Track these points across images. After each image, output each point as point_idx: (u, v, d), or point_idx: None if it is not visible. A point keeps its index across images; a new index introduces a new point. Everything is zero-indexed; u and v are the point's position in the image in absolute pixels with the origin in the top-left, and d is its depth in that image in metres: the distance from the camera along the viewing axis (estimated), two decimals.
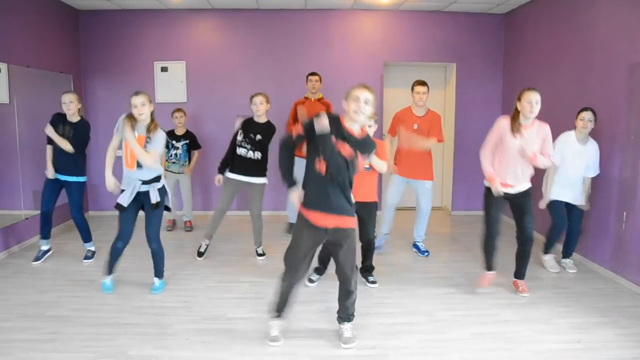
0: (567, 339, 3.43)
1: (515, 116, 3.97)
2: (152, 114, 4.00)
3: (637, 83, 4.38)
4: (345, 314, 3.43)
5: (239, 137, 4.85)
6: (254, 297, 4.13)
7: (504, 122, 3.99)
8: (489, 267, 4.30)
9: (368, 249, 4.48)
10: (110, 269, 4.23)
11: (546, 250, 4.96)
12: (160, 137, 3.99)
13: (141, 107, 3.87)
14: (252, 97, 4.87)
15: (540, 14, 6.06)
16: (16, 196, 5.41)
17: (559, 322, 3.68)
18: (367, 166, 4.16)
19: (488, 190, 4.12)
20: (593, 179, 4.77)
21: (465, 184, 7.17)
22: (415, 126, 5.05)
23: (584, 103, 5.04)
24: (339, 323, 3.45)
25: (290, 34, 7.02)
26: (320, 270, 4.49)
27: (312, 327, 3.61)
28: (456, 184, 7.32)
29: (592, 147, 4.67)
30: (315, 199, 3.12)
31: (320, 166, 3.05)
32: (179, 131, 6.11)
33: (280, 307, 3.38)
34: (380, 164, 4.08)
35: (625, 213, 4.49)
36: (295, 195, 3.16)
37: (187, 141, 6.14)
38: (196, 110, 6.89)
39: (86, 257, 5.03)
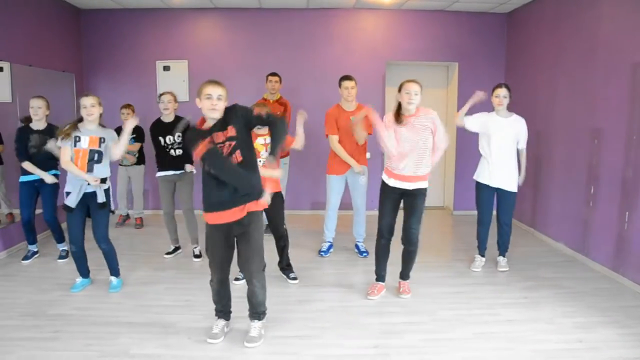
0: (569, 338, 3.42)
1: (397, 108, 3.93)
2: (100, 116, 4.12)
3: None
4: (254, 312, 3.40)
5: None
6: None
7: (388, 117, 3.96)
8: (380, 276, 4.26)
9: (280, 246, 4.47)
10: (80, 272, 4.31)
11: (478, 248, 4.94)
12: (113, 133, 4.12)
13: (90, 108, 3.96)
14: (160, 95, 4.94)
15: (543, 13, 6.05)
16: (18, 194, 5.39)
17: (561, 321, 3.68)
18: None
19: (383, 185, 4.06)
20: (597, 179, 4.77)
21: (467, 184, 7.13)
22: (353, 118, 4.90)
23: (587, 102, 5.05)
24: (250, 320, 3.42)
25: (292, 33, 7.01)
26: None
27: (314, 325, 3.61)
28: (458, 183, 7.32)
29: (519, 124, 4.61)
30: (211, 200, 3.15)
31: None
32: None
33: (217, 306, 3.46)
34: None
35: (627, 213, 4.48)
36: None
37: (134, 135, 6.04)
38: (199, 109, 6.88)
39: (60, 257, 5.06)
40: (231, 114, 3.10)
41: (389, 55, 7.09)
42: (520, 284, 4.43)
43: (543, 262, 5.03)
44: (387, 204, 4.04)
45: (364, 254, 5.20)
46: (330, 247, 5.33)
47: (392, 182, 3.97)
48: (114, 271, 4.33)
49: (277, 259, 4.54)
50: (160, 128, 4.86)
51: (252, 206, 3.16)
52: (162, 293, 4.22)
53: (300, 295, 4.19)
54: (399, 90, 3.93)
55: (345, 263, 5.04)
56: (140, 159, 6.32)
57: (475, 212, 4.88)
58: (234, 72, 6.92)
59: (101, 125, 4.13)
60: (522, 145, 4.68)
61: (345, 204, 5.44)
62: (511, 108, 4.68)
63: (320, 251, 5.28)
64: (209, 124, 3.12)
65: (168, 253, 5.20)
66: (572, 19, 5.39)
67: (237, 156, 3.07)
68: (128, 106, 6.17)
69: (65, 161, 3.96)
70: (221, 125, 3.08)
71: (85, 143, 3.97)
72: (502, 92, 4.57)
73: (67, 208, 4.02)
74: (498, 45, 7.12)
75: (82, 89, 6.79)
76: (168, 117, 4.87)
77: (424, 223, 6.51)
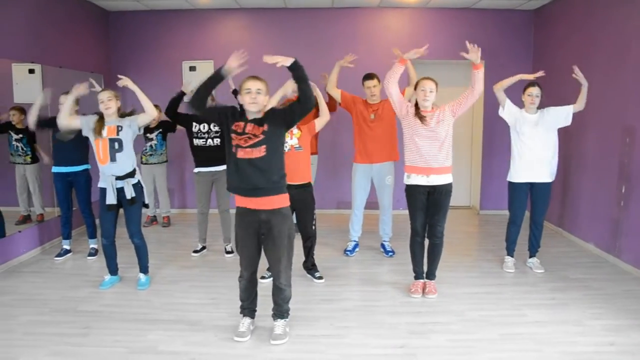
0: (599, 341, 3.35)
1: (415, 105, 4.00)
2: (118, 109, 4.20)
3: None
4: (278, 311, 3.43)
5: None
6: None
7: (406, 95, 4.18)
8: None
9: (307, 246, 4.46)
10: (110, 269, 4.38)
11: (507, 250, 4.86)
12: (132, 117, 4.21)
13: (107, 102, 4.08)
14: None
15: (572, 10, 5.94)
16: (50, 193, 5.52)
17: (590, 323, 3.61)
18: (298, 145, 4.16)
19: (408, 188, 4.05)
20: (629, 178, 4.67)
21: (494, 183, 7.07)
22: (372, 116, 4.98)
23: (618, 100, 4.95)
24: (273, 320, 3.45)
25: (317, 33, 7.02)
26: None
27: (340, 325, 3.61)
28: (484, 182, 7.24)
29: (548, 110, 4.56)
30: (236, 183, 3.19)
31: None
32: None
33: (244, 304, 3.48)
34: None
35: None
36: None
37: (160, 130, 6.17)
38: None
39: (90, 254, 5.16)
40: (270, 114, 3.21)
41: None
42: (548, 285, 4.36)
43: (572, 263, 4.95)
44: (417, 204, 4.03)
45: (390, 254, 5.18)
46: (355, 246, 5.33)
47: (415, 180, 3.97)
48: (144, 268, 4.39)
49: (303, 258, 4.55)
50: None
51: (276, 201, 3.19)
52: (189, 291, 4.27)
53: (326, 294, 4.20)
54: (415, 88, 4.05)
55: (371, 262, 5.03)
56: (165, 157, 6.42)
57: (502, 212, 4.82)
58: (259, 72, 6.82)
59: (122, 115, 4.20)
60: (577, 108, 4.59)
61: (370, 204, 5.42)
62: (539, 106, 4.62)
63: (345, 250, 5.28)
64: (249, 116, 3.20)
65: (196, 251, 5.26)
66: (602, 15, 5.29)
67: (261, 150, 3.09)
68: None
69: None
70: (259, 121, 3.16)
71: (104, 133, 4.06)
72: (535, 90, 4.52)
73: (109, 207, 4.10)
74: (525, 42, 7.02)
75: (110, 89, 6.90)
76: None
77: (450, 223, 6.49)
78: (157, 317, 3.75)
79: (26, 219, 5.34)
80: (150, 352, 3.22)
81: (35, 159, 5.33)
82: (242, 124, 3.16)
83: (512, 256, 4.83)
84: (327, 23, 7.01)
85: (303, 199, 4.25)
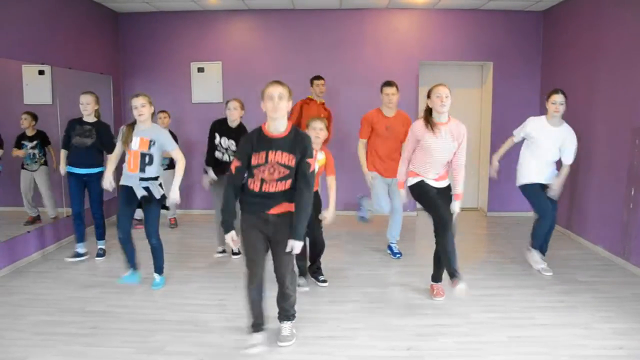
0: (608, 344, 3.33)
1: (427, 114, 3.88)
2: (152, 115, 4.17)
3: None
4: (284, 314, 3.40)
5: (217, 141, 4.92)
6: None
7: (417, 126, 3.92)
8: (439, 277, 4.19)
9: (313, 249, 4.42)
10: (129, 262, 4.34)
11: (533, 245, 4.77)
12: (166, 135, 4.17)
13: (141, 108, 4.02)
14: (227, 102, 4.94)
15: (581, 10, 5.91)
16: (57, 194, 5.56)
17: (599, 327, 3.59)
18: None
19: (416, 186, 3.98)
20: (638, 180, 4.64)
21: (502, 185, 7.04)
22: (387, 127, 4.97)
23: (628, 101, 4.92)
24: (279, 322, 3.41)
25: (325, 34, 7.02)
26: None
27: (347, 326, 3.61)
28: (492, 184, 7.21)
29: (567, 130, 4.52)
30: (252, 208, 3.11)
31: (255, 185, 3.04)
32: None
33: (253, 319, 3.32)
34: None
35: None
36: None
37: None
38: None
39: (98, 255, 5.18)
40: (301, 143, 3.00)
41: (423, 56, 7.04)
42: (557, 288, 4.34)
43: (580, 266, 4.92)
44: (432, 194, 3.90)
45: (398, 255, 5.17)
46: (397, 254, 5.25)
47: (428, 180, 3.94)
48: (159, 269, 4.40)
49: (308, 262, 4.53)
50: (224, 128, 4.89)
51: (284, 207, 3.09)
52: (197, 292, 4.28)
53: (333, 295, 4.20)
54: (429, 96, 3.87)
55: (378, 264, 5.02)
56: (171, 164, 6.34)
57: (510, 214, 4.81)
58: (267, 73, 6.92)
59: (157, 123, 4.23)
60: (567, 161, 4.60)
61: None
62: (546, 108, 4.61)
63: (395, 254, 5.22)
64: (270, 129, 3.01)
65: (220, 252, 5.26)
66: (611, 16, 5.25)
67: (286, 184, 3.03)
68: (163, 111, 6.24)
69: (110, 155, 4.18)
70: (289, 146, 2.99)
71: (135, 145, 4.04)
72: (559, 98, 4.46)
73: (140, 199, 4.15)
74: (534, 43, 6.99)
75: (119, 90, 6.96)
76: (233, 123, 4.90)
77: (457, 224, 6.48)
78: (164, 317, 3.76)
79: (35, 220, 5.35)
80: (157, 353, 3.23)
81: (45, 162, 5.34)
82: (263, 153, 2.99)
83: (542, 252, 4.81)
84: (335, 24, 7.01)
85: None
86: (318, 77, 6.02)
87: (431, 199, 3.89)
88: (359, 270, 4.83)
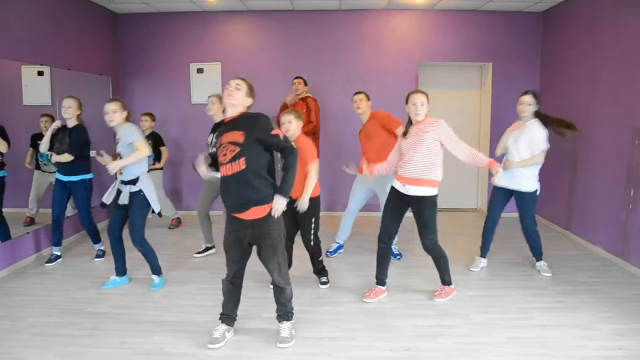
0: (608, 345, 3.33)
1: (409, 121, 3.98)
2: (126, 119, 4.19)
3: None
4: (282, 312, 3.43)
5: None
6: None
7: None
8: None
9: (311, 253, 4.40)
10: (117, 269, 4.42)
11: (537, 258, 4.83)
12: (126, 128, 4.13)
13: (112, 114, 4.07)
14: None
15: (580, 11, 5.91)
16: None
17: (599, 327, 3.58)
18: None
19: (391, 188, 4.04)
20: (638, 181, 4.64)
21: None
22: (364, 133, 5.00)
23: (627, 102, 4.92)
24: (279, 322, 3.45)
25: (325, 35, 7.02)
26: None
27: (346, 327, 3.61)
28: (491, 185, 7.20)
29: (535, 130, 4.45)
30: (225, 203, 3.23)
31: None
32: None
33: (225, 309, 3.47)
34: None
35: None
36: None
37: (150, 142, 5.69)
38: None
39: (97, 256, 5.20)
40: (250, 120, 3.13)
41: (422, 57, 7.04)
42: (556, 289, 4.34)
43: (579, 266, 4.92)
44: (389, 206, 4.04)
45: (398, 257, 5.17)
46: (338, 248, 5.37)
47: (396, 185, 3.97)
48: (155, 270, 4.41)
49: (307, 261, 4.52)
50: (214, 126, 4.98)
51: (257, 211, 3.14)
52: (195, 293, 4.28)
53: (332, 297, 4.19)
54: (406, 102, 3.94)
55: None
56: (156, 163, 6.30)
57: (509, 215, 4.84)
58: (266, 74, 6.98)
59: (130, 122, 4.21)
60: (534, 152, 4.48)
61: (374, 206, 5.43)
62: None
63: (327, 252, 5.26)
64: (226, 115, 3.27)
65: (199, 252, 5.31)
66: (610, 17, 5.26)
67: (241, 163, 3.06)
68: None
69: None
70: (234, 125, 3.14)
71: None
72: (526, 99, 4.48)
73: (102, 205, 4.21)
74: (533, 44, 6.99)
75: (118, 91, 6.96)
76: (216, 118, 4.99)
77: (457, 225, 6.44)
78: (163, 318, 3.76)
79: (32, 221, 5.34)
80: (156, 354, 3.23)
81: None
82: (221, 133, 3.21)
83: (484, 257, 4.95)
84: (335, 25, 7.01)
85: (304, 213, 4.13)
86: (297, 77, 6.23)
87: (385, 210, 4.10)
88: (358, 271, 4.83)
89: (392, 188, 4.02)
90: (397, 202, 3.98)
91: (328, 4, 6.71)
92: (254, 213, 3.13)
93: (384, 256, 4.12)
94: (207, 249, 5.35)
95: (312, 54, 7.04)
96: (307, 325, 3.62)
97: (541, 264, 4.77)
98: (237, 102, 3.16)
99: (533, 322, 3.68)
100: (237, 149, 3.05)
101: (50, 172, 5.26)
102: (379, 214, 5.51)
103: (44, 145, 4.77)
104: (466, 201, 7.53)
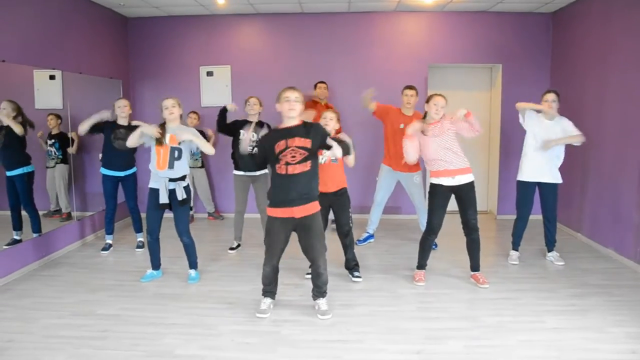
0: (621, 349, 3.30)
1: (425, 117, 4.46)
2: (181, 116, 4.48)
3: None
4: (318, 292, 3.87)
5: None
6: (298, 300, 4.15)
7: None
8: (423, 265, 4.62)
9: (346, 243, 4.62)
10: (153, 264, 4.64)
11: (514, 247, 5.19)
12: (188, 129, 4.46)
13: (172, 108, 4.33)
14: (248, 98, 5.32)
15: (590, 12, 5.87)
16: (80, 195, 5.71)
17: (612, 330, 3.55)
18: (334, 158, 4.28)
19: (433, 186, 4.38)
20: None
21: (512, 187, 6.97)
22: (402, 125, 5.19)
23: (637, 102, 4.87)
24: (314, 299, 3.90)
25: (334, 37, 7.03)
26: None
27: (357, 330, 3.60)
28: (502, 187, 7.18)
29: (564, 120, 4.81)
30: (277, 198, 3.66)
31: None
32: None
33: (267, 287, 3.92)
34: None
35: None
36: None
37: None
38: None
39: (138, 247, 5.60)
40: (313, 129, 3.63)
41: (432, 58, 7.02)
42: (568, 291, 4.30)
43: (591, 269, 4.87)
44: (435, 202, 4.39)
45: (434, 247, 5.36)
46: (368, 237, 5.81)
47: (441, 181, 4.31)
48: (193, 264, 4.64)
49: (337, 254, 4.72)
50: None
51: (313, 207, 3.65)
52: (207, 295, 4.29)
53: (343, 299, 4.18)
54: (427, 102, 4.41)
55: (387, 267, 4.99)
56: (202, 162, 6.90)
57: (513, 216, 4.88)
58: (276, 77, 6.98)
59: (183, 124, 4.51)
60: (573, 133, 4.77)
61: (393, 208, 5.49)
62: (559, 109, 4.61)
63: (357, 240, 5.54)
64: (286, 124, 3.65)
65: (232, 249, 5.56)
66: (621, 17, 5.21)
67: (307, 165, 3.56)
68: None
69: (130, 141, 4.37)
70: (304, 132, 3.58)
71: (167, 141, 4.30)
72: (551, 96, 4.78)
73: (162, 206, 4.35)
74: (543, 45, 6.95)
75: (128, 94, 7.00)
76: (252, 118, 5.29)
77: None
78: (174, 320, 3.77)
79: (69, 216, 5.74)
80: (167, 356, 3.24)
81: (64, 161, 5.65)
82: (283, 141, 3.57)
83: (517, 250, 5.19)
84: (344, 27, 7.01)
85: (341, 203, 4.48)
86: (321, 82, 6.42)
87: (433, 204, 4.45)
88: (368, 273, 4.81)
89: (436, 185, 4.35)
90: (443, 197, 4.38)
91: (337, 6, 6.71)
92: (310, 208, 3.64)
93: (430, 246, 4.58)
94: (239, 245, 5.58)
95: (321, 56, 7.04)
96: (317, 328, 3.62)
97: (553, 254, 5.00)
98: (297, 114, 3.63)
99: (544, 325, 3.65)
100: (306, 153, 3.56)
101: (50, 167, 5.60)
102: (388, 216, 5.55)
103: (86, 126, 4.97)
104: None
